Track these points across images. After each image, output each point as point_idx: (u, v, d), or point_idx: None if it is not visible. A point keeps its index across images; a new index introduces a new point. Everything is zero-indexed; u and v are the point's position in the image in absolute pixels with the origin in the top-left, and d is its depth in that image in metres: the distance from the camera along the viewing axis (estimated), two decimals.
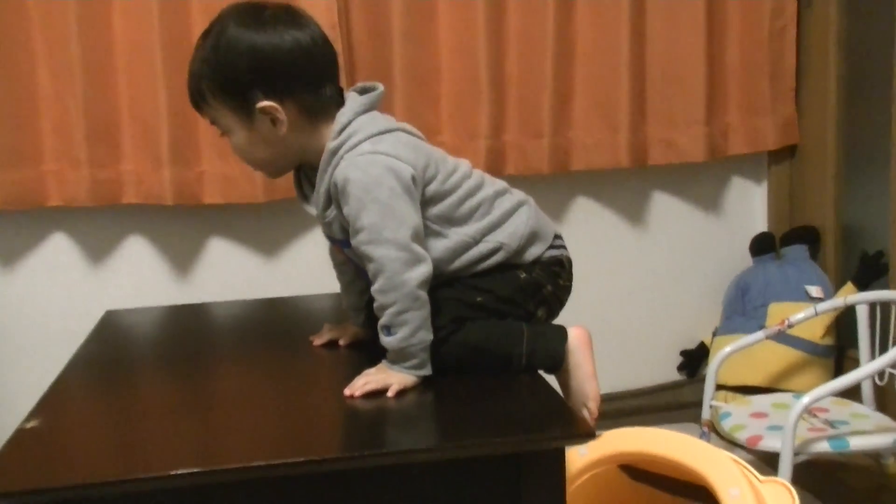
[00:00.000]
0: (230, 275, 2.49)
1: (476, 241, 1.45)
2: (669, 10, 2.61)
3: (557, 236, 1.57)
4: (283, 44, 1.36)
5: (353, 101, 1.41)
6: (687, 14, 2.61)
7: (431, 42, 2.48)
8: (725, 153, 2.72)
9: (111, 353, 1.67)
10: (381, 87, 1.45)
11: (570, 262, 1.59)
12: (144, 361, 1.63)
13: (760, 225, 2.86)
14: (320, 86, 1.40)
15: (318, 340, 1.59)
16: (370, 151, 1.35)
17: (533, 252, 1.51)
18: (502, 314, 1.48)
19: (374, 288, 1.35)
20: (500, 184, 1.54)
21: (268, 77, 1.36)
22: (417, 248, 1.36)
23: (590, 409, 1.53)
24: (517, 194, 1.53)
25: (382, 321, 1.35)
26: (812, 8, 2.67)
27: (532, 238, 1.50)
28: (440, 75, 2.50)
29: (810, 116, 2.72)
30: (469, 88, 2.49)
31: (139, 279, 2.44)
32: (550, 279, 1.53)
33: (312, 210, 1.46)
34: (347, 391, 1.33)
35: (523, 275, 1.50)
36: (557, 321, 1.58)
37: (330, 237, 1.49)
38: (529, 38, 2.52)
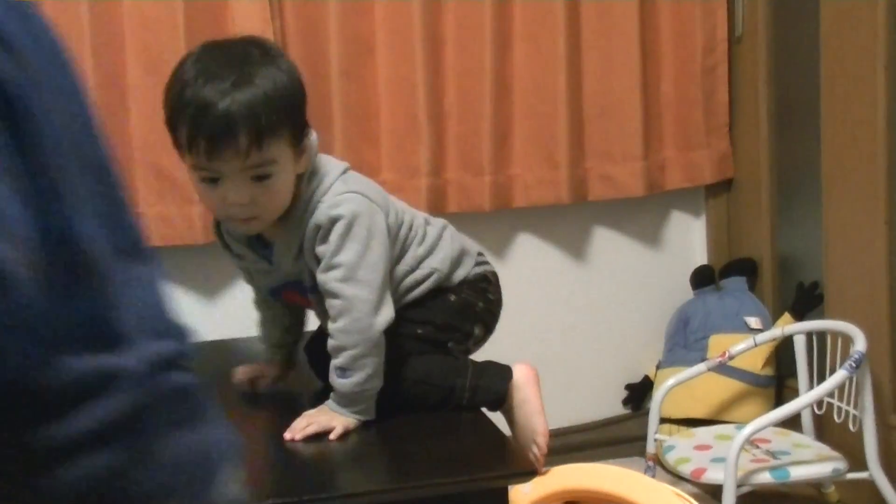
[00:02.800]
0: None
1: (412, 269, 1.47)
2: (604, 47, 2.65)
3: (480, 253, 1.63)
4: (300, 76, 1.39)
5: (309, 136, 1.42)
6: (621, 50, 2.65)
7: (369, 79, 2.48)
8: (663, 187, 2.76)
9: None
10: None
11: (495, 275, 1.64)
12: None
13: (700, 257, 2.90)
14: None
15: (236, 379, 1.57)
16: (345, 191, 1.37)
17: (460, 273, 1.54)
18: (443, 342, 1.50)
19: (336, 327, 1.34)
20: (434, 219, 1.58)
21: (305, 106, 1.39)
22: (386, 293, 1.37)
23: (539, 445, 1.53)
24: (438, 220, 1.59)
25: (339, 362, 1.33)
26: (742, 45, 2.73)
27: (459, 259, 1.54)
28: (379, 112, 2.50)
29: (744, 150, 2.78)
30: (408, 126, 2.49)
31: None
32: (480, 296, 1.57)
33: (245, 259, 1.46)
34: (288, 434, 1.31)
35: (453, 297, 1.53)
36: (500, 355, 1.59)
37: (280, 285, 1.47)
38: (467, 73, 2.53)
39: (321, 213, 1.35)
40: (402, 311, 1.43)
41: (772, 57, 2.65)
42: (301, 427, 1.32)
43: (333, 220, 1.34)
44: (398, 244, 1.45)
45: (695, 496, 1.45)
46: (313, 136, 1.40)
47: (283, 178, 1.33)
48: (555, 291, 2.76)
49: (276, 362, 1.59)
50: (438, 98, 2.52)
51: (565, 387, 2.77)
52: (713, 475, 1.97)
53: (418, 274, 1.48)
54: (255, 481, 1.19)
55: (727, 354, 2.31)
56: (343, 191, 1.37)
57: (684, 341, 2.69)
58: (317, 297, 1.42)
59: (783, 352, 2.50)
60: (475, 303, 1.56)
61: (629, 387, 2.83)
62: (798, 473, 1.98)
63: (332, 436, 1.30)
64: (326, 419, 1.33)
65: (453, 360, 1.50)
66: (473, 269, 1.57)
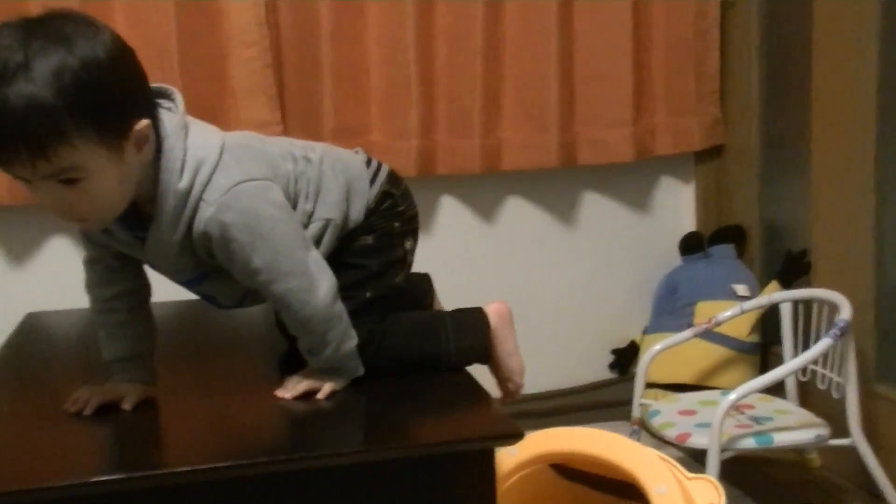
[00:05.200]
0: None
1: (305, 226, 1.35)
2: (596, 11, 2.63)
3: (367, 161, 1.47)
4: (126, 49, 1.16)
5: (170, 118, 1.23)
6: (613, 14, 2.63)
7: (360, 40, 2.46)
8: (653, 153, 2.75)
9: (31, 356, 1.62)
10: (172, 88, 1.26)
11: (391, 176, 1.48)
12: (66, 365, 1.58)
13: (689, 224, 2.90)
14: (148, 94, 1.21)
15: (79, 408, 1.28)
16: (230, 185, 1.22)
17: (358, 206, 1.42)
18: (391, 284, 1.44)
19: (285, 318, 1.31)
20: (300, 146, 1.41)
21: (134, 91, 1.16)
22: (314, 265, 1.29)
23: (515, 384, 1.54)
24: (315, 147, 1.42)
25: (303, 345, 1.31)
26: (734, 10, 2.72)
27: (348, 193, 1.41)
28: (369, 73, 2.48)
29: (734, 117, 2.77)
30: (398, 87, 2.47)
31: (63, 280, 2.37)
32: (392, 218, 1.46)
33: (113, 238, 1.28)
34: (280, 391, 1.31)
35: (371, 238, 1.42)
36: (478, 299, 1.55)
37: (171, 275, 1.33)
38: (458, 36, 2.51)
39: (210, 221, 1.21)
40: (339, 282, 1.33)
41: (763, 23, 2.64)
42: (292, 385, 1.31)
43: (226, 227, 1.21)
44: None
45: (679, 460, 1.46)
46: (167, 117, 1.21)
47: (103, 180, 1.13)
48: (543, 255, 2.76)
49: (136, 378, 1.33)
50: (429, 59, 2.50)
51: (552, 350, 2.78)
52: (697, 440, 1.98)
53: (312, 228, 1.35)
54: (237, 441, 1.19)
55: (713, 321, 2.31)
56: (227, 186, 1.21)
57: (671, 307, 2.70)
58: (207, 286, 1.33)
59: (769, 319, 2.51)
60: (392, 227, 1.45)
61: (615, 351, 2.84)
62: (781, 439, 1.99)
63: (320, 394, 1.30)
64: (316, 379, 1.32)
65: (428, 324, 1.47)
66: (370, 193, 1.43)
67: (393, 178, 1.49)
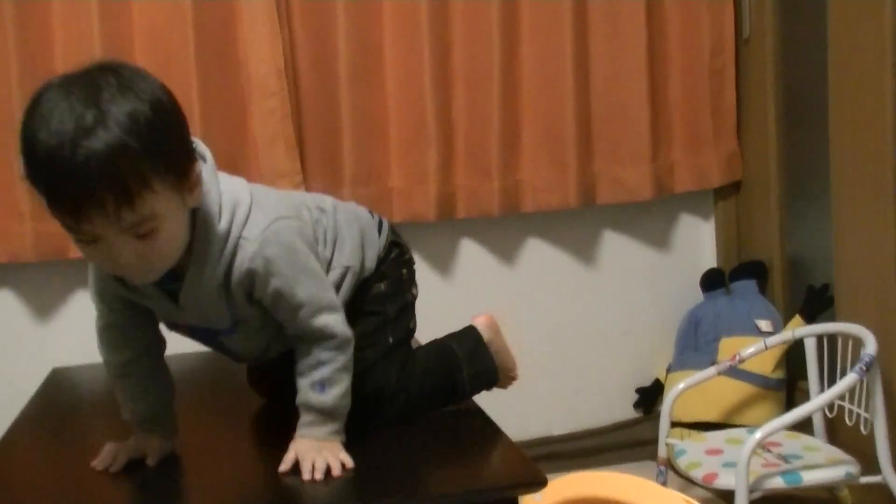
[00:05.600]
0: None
1: (326, 272, 1.37)
2: (611, 49, 2.65)
3: (370, 213, 1.54)
4: (171, 96, 1.16)
5: (202, 164, 1.23)
6: (629, 53, 2.65)
7: (378, 84, 2.49)
8: (672, 190, 2.75)
9: (57, 412, 1.64)
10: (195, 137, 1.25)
11: (392, 230, 1.55)
12: (92, 420, 1.60)
13: (710, 260, 2.89)
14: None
15: (106, 465, 1.29)
16: (269, 222, 1.24)
17: (370, 255, 1.47)
18: (406, 327, 1.51)
19: (321, 348, 1.30)
20: (310, 197, 1.45)
21: (189, 133, 1.18)
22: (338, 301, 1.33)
23: (513, 377, 1.61)
24: (326, 200, 1.46)
25: (319, 376, 1.29)
26: (749, 46, 2.73)
27: (362, 242, 1.46)
28: (388, 119, 2.51)
29: (752, 152, 2.77)
30: (417, 131, 2.50)
31: (88, 335, 2.38)
32: (400, 266, 1.53)
33: (142, 295, 1.27)
34: (307, 476, 1.23)
35: (383, 285, 1.48)
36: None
37: (196, 327, 1.32)
38: (475, 78, 2.54)
39: (254, 257, 1.22)
40: (357, 329, 1.35)
41: (779, 58, 2.65)
42: (308, 469, 1.23)
43: (270, 262, 1.23)
44: None
45: (706, 501, 1.45)
46: (201, 163, 1.21)
47: (173, 227, 1.14)
48: (564, 295, 2.76)
49: (159, 435, 1.33)
50: (447, 103, 2.52)
51: (576, 391, 2.77)
52: (725, 480, 1.97)
53: (332, 276, 1.39)
54: (260, 495, 1.19)
55: (737, 357, 2.30)
56: (266, 223, 1.23)
57: (695, 344, 2.68)
58: (238, 335, 1.33)
59: (794, 354, 2.49)
60: (401, 274, 1.52)
61: (640, 390, 2.82)
62: (810, 478, 1.97)
63: (335, 473, 1.23)
64: (321, 453, 1.25)
65: (440, 359, 1.51)
66: (380, 242, 1.49)
67: (393, 228, 1.57)
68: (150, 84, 1.12)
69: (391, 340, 1.45)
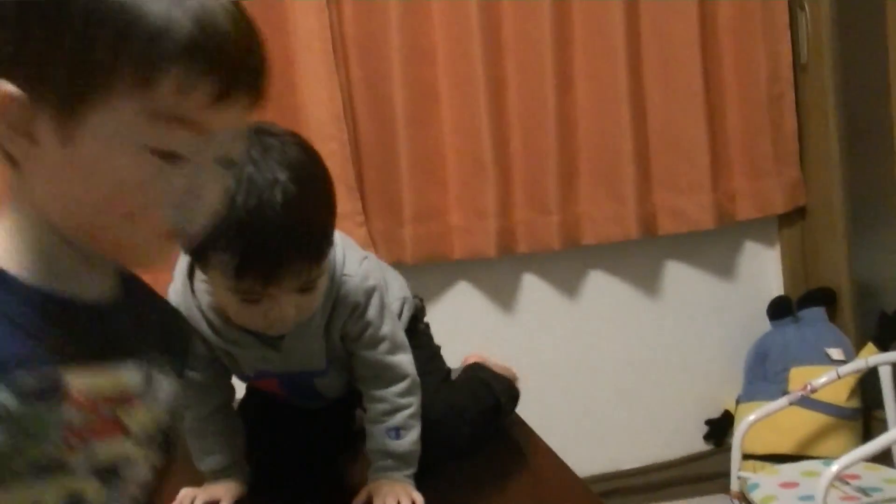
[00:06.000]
0: None
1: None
2: (667, 78, 2.64)
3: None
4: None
5: None
6: (684, 82, 2.63)
7: (435, 124, 2.51)
8: (734, 218, 2.72)
9: None
10: None
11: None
12: (168, 465, 1.61)
13: (776, 288, 2.84)
14: None
15: None
16: (360, 259, 1.29)
17: (408, 296, 1.54)
18: (443, 366, 1.58)
19: (395, 391, 1.32)
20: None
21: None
22: None
23: (515, 376, 1.69)
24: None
25: (395, 423, 1.31)
26: (808, 71, 2.70)
27: (402, 284, 1.54)
28: (445, 157, 2.52)
29: (815, 177, 2.73)
30: (475, 168, 2.51)
31: None
32: (421, 308, 1.59)
33: (238, 346, 1.28)
34: None
35: (421, 324, 1.56)
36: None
37: (269, 372, 1.34)
38: (531, 114, 2.54)
39: (355, 290, 1.26)
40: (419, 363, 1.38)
41: (839, 81, 2.61)
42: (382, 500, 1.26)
43: (369, 294, 1.27)
44: None
45: None
46: None
47: (325, 278, 1.20)
48: (629, 328, 2.74)
49: (233, 481, 1.36)
50: (503, 140, 2.53)
51: (644, 424, 2.73)
52: None
53: (394, 307, 1.43)
54: None
55: (809, 387, 2.25)
56: (358, 259, 1.28)
57: (764, 374, 2.63)
58: (330, 375, 1.35)
59: (868, 383, 2.43)
60: (424, 314, 1.61)
61: (709, 422, 2.78)
62: None
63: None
64: (391, 491, 1.27)
65: (472, 384, 1.58)
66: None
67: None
68: (297, 136, 1.16)
69: (445, 368, 1.53)
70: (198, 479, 1.35)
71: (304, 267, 1.10)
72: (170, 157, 0.68)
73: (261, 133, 1.12)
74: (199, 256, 1.14)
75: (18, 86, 0.65)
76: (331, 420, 1.53)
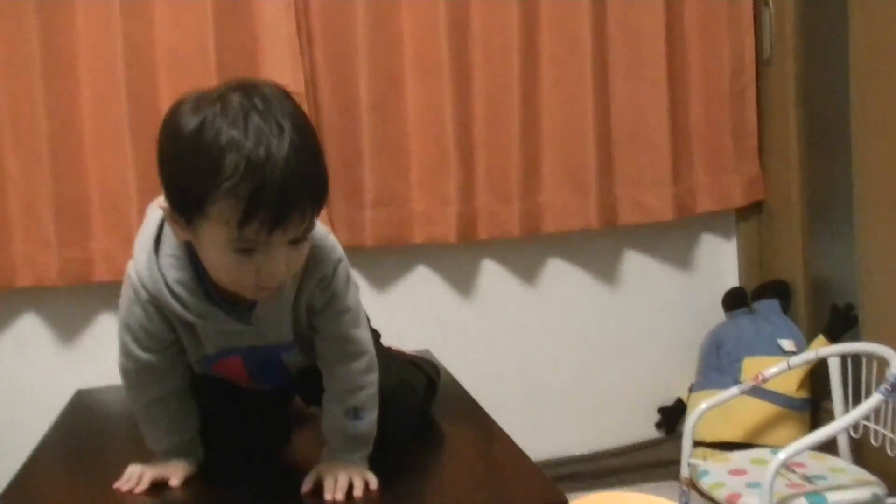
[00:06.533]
0: None
1: None
2: (632, 72, 2.66)
3: None
4: None
5: None
6: (649, 75, 2.66)
7: (399, 110, 2.51)
8: (693, 211, 2.75)
9: (82, 434, 1.65)
10: None
11: None
12: (116, 441, 1.61)
13: (732, 280, 2.88)
14: None
15: (130, 487, 1.32)
16: (326, 232, 1.30)
17: None
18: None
19: (355, 368, 1.32)
20: None
21: None
22: None
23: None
24: None
25: (355, 403, 1.31)
26: (771, 67, 2.73)
27: None
28: (409, 142, 2.52)
29: (775, 172, 2.77)
30: (438, 155, 2.51)
31: (111, 357, 2.42)
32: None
33: (206, 320, 1.28)
34: (328, 496, 1.25)
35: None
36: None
37: (236, 349, 1.33)
38: (495, 102, 2.55)
39: (324, 260, 1.27)
40: None
41: (801, 78, 2.64)
42: (340, 486, 1.25)
43: (336, 265, 1.29)
44: None
45: None
46: None
47: (311, 238, 1.22)
48: (586, 316, 2.76)
49: (184, 460, 1.36)
50: (467, 127, 2.54)
51: (597, 410, 2.77)
52: (749, 501, 1.95)
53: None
54: None
55: (761, 377, 2.29)
56: (324, 232, 1.29)
57: (717, 364, 2.67)
58: (296, 350, 1.35)
59: (818, 375, 2.48)
60: None
61: (662, 410, 2.81)
62: (835, 499, 1.95)
63: (357, 493, 1.25)
64: (344, 472, 1.27)
65: (409, 364, 1.59)
66: None
67: None
68: (288, 93, 1.17)
69: (385, 345, 1.53)
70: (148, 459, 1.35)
71: (308, 211, 1.13)
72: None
73: (256, 86, 1.14)
74: (195, 213, 1.13)
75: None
76: (280, 403, 1.53)
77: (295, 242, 1.16)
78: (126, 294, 1.29)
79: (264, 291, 1.19)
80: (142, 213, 2.26)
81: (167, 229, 1.25)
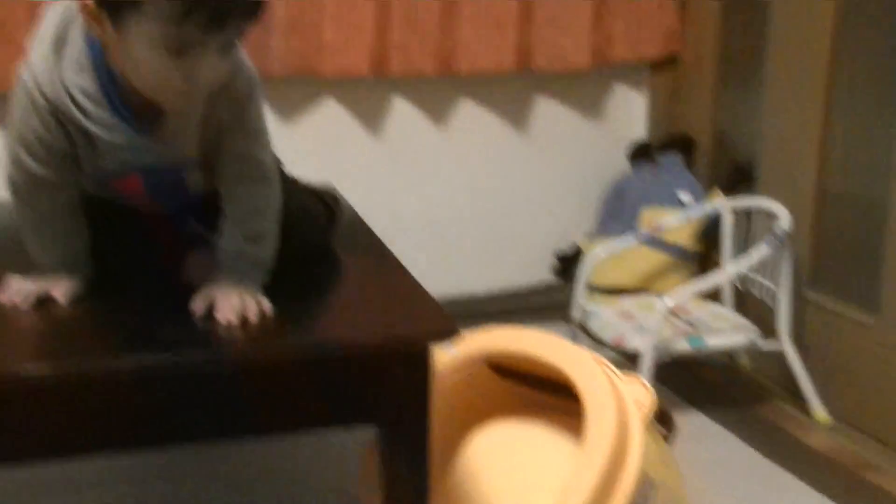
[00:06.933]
0: None
1: None
2: None
3: None
4: None
5: None
6: None
7: None
8: (609, 60, 2.75)
9: None
10: None
11: None
12: None
13: (640, 133, 2.92)
14: None
15: (13, 300, 1.25)
16: (240, 51, 1.26)
17: None
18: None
19: (257, 191, 1.30)
20: None
21: None
22: None
23: None
24: None
25: (257, 228, 1.30)
26: None
27: None
28: None
29: (692, 28, 2.77)
30: None
31: None
32: None
33: (104, 130, 1.22)
34: (221, 316, 1.22)
35: None
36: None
37: (137, 167, 1.27)
38: None
39: (241, 78, 1.25)
40: None
41: None
42: (235, 308, 1.22)
43: (248, 82, 1.26)
44: None
45: (614, 362, 1.51)
46: None
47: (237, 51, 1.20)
48: (493, 158, 2.78)
49: (78, 276, 1.30)
50: None
51: (497, 253, 2.82)
52: (634, 343, 2.05)
53: None
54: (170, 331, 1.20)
55: (657, 227, 2.36)
56: (241, 51, 1.26)
57: (618, 213, 2.73)
58: (198, 174, 1.31)
59: (712, 229, 2.56)
60: None
61: (560, 256, 2.88)
62: (714, 342, 2.06)
63: (251, 316, 1.22)
64: (238, 295, 1.24)
65: (310, 193, 1.56)
66: None
67: None
68: None
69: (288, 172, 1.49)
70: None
71: (245, 18, 1.13)
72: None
73: None
74: (128, 8, 1.09)
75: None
76: (176, 226, 1.48)
77: (224, 50, 1.14)
78: (20, 101, 1.21)
79: (185, 98, 1.17)
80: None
81: (71, 32, 1.18)
